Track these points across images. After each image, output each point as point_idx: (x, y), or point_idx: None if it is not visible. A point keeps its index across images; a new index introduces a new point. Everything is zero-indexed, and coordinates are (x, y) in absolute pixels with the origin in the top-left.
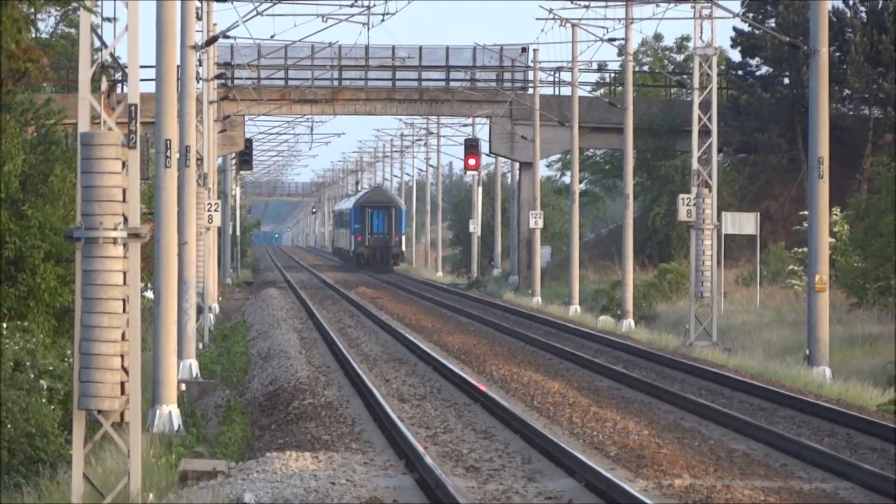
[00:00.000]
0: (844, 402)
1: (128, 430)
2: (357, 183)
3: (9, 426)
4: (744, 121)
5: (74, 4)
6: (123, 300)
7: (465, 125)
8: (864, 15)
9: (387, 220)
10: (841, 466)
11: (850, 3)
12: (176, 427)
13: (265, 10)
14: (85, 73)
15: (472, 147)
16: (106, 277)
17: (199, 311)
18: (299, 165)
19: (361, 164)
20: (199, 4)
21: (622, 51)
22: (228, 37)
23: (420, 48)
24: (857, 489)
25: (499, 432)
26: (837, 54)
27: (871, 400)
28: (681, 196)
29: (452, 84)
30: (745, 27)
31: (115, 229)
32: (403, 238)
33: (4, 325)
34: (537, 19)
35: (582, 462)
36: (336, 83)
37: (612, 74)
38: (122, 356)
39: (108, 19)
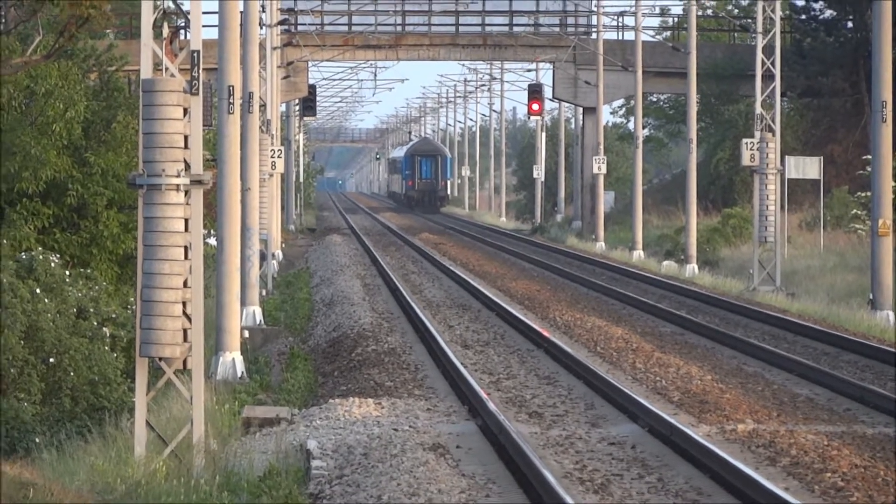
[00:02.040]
0: None
1: (190, 377)
2: (409, 133)
3: (72, 374)
4: (807, 65)
5: None
6: (185, 247)
7: (529, 70)
8: None
9: (434, 167)
10: None
11: None
12: (239, 374)
13: None
14: (147, 19)
15: (535, 92)
16: (167, 224)
17: (263, 258)
18: (363, 111)
19: (425, 109)
20: None
21: None
22: None
23: None
24: None
25: (562, 378)
26: None
27: None
28: (744, 140)
29: (516, 29)
30: None
31: (177, 176)
32: (449, 182)
33: (67, 273)
34: None
35: (645, 407)
36: (399, 28)
37: (676, 18)
38: (183, 303)
39: None
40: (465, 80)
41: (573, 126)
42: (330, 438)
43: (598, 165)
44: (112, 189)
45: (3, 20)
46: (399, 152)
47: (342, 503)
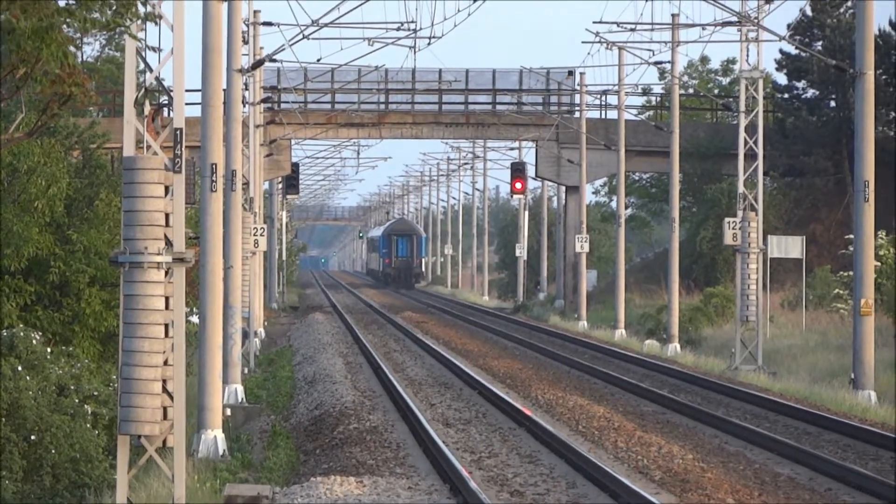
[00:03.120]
0: (890, 426)
1: (172, 455)
2: (388, 213)
3: (53, 451)
4: (790, 144)
5: (120, 29)
6: (166, 325)
7: (512, 149)
8: None
9: (409, 246)
10: (886, 491)
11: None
12: (221, 452)
13: (311, 33)
14: (130, 97)
15: (518, 171)
16: (148, 302)
17: (245, 336)
18: (346, 190)
19: (407, 187)
20: (245, 28)
21: (668, 74)
22: (275, 60)
23: (466, 71)
24: None
25: (544, 457)
26: (884, 77)
27: None
28: (727, 220)
29: (499, 107)
30: (792, 50)
31: (158, 254)
32: (423, 260)
33: (49, 350)
34: (583, 42)
35: (626, 486)
36: (382, 107)
37: (658, 98)
38: (164, 381)
39: (153, 48)
40: (448, 159)
41: (556, 204)
42: None
43: (581, 244)
44: (94, 266)
45: None
46: (377, 232)
47: None
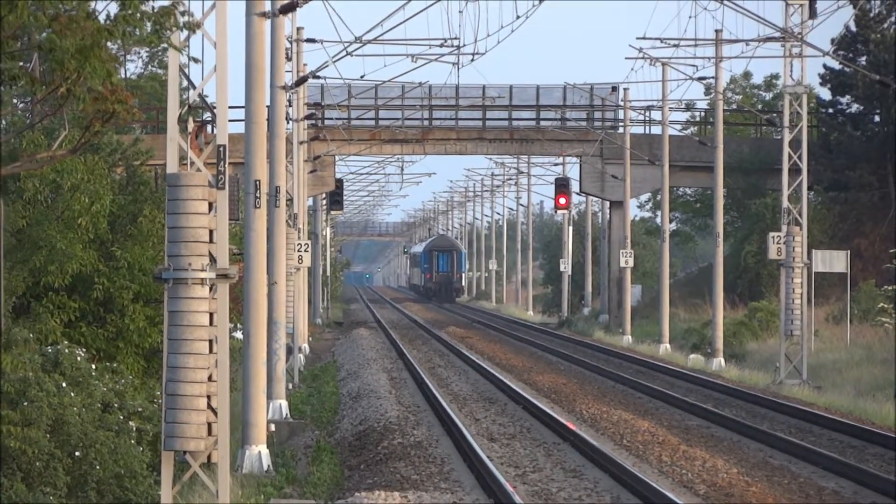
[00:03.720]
0: None
1: (216, 470)
2: (429, 229)
3: (98, 467)
4: (834, 159)
5: (164, 46)
6: (210, 341)
7: (556, 164)
8: None
9: (449, 261)
10: None
11: None
12: (265, 467)
13: (354, 50)
14: (173, 114)
15: (562, 186)
16: (192, 318)
17: (289, 351)
18: (390, 205)
19: (452, 203)
20: (288, 45)
21: (712, 89)
22: (318, 77)
23: (510, 88)
24: None
25: (588, 471)
26: None
27: None
28: (771, 234)
29: (543, 123)
30: (836, 65)
31: (202, 270)
32: (463, 275)
33: (94, 367)
34: (627, 58)
35: (671, 500)
36: (426, 123)
37: (702, 113)
38: (208, 397)
39: (196, 59)
40: (493, 174)
41: (600, 220)
42: None
43: (626, 259)
44: (138, 283)
45: (30, 115)
46: (419, 248)
47: None
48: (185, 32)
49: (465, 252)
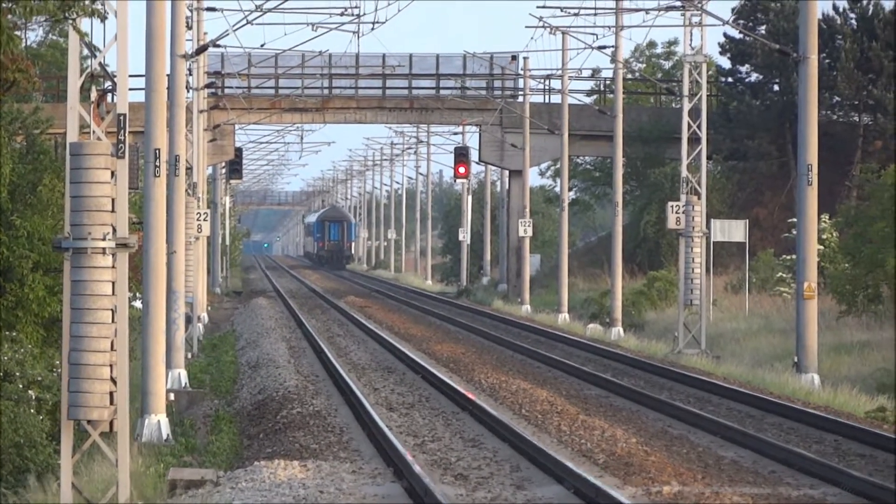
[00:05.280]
0: (832, 409)
1: (116, 439)
2: (322, 200)
3: None
4: (733, 128)
5: (70, 26)
6: (112, 310)
7: (456, 133)
8: (853, 22)
9: (340, 231)
10: (829, 473)
11: (840, 9)
12: (165, 436)
13: (255, 19)
14: (74, 83)
15: (461, 155)
16: (94, 287)
17: (188, 320)
18: (289, 175)
19: (351, 172)
20: (188, 13)
21: (612, 58)
22: (218, 46)
23: (410, 56)
24: (844, 495)
25: (487, 441)
26: (827, 61)
27: (860, 407)
28: (670, 204)
29: (442, 92)
30: (736, 34)
31: (103, 239)
32: (353, 244)
33: None
34: (527, 27)
35: (570, 469)
36: (326, 92)
37: (602, 82)
38: (110, 366)
39: (100, 18)
40: (392, 143)
41: (499, 189)
42: (255, 501)
43: (524, 228)
44: (38, 252)
45: None
46: (312, 218)
47: None
48: (90, 12)
49: (355, 222)
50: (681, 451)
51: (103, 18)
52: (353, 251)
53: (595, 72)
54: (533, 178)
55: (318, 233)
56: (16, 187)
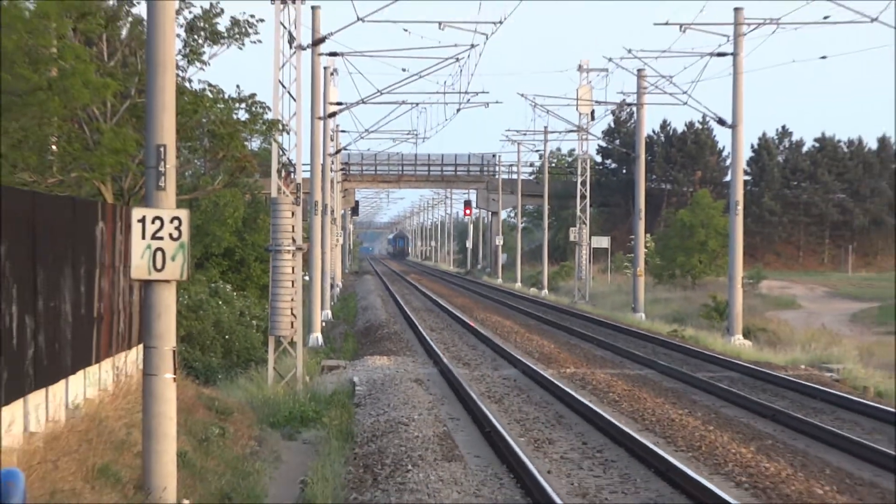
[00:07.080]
0: (652, 330)
1: (295, 346)
2: (395, 228)
3: (236, 343)
4: (603, 191)
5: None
6: (292, 281)
7: (465, 193)
8: (662, 137)
9: (403, 243)
10: (649, 362)
11: (655, 132)
12: (320, 344)
13: (365, 136)
14: (274, 167)
15: (468, 204)
16: (283, 269)
17: (332, 285)
18: (382, 213)
19: (413, 212)
20: (332, 133)
21: (541, 156)
22: (346, 149)
23: (442, 156)
24: (657, 374)
25: (480, 346)
26: (650, 157)
27: (664, 329)
28: (571, 228)
29: (459, 172)
30: (604, 143)
31: (288, 246)
32: (409, 248)
33: (234, 294)
34: (501, 140)
35: (518, 360)
36: (400, 171)
37: (537, 168)
38: (291, 309)
39: (286, 132)
40: (432, 199)
41: (487, 220)
42: (364, 376)
43: (498, 241)
44: (257, 252)
45: (203, 168)
46: (390, 236)
47: (370, 406)
48: (282, 131)
49: (409, 238)
50: (575, 350)
51: (289, 132)
52: (408, 253)
53: (533, 164)
54: (504, 215)
55: (393, 243)
56: (245, 220)
